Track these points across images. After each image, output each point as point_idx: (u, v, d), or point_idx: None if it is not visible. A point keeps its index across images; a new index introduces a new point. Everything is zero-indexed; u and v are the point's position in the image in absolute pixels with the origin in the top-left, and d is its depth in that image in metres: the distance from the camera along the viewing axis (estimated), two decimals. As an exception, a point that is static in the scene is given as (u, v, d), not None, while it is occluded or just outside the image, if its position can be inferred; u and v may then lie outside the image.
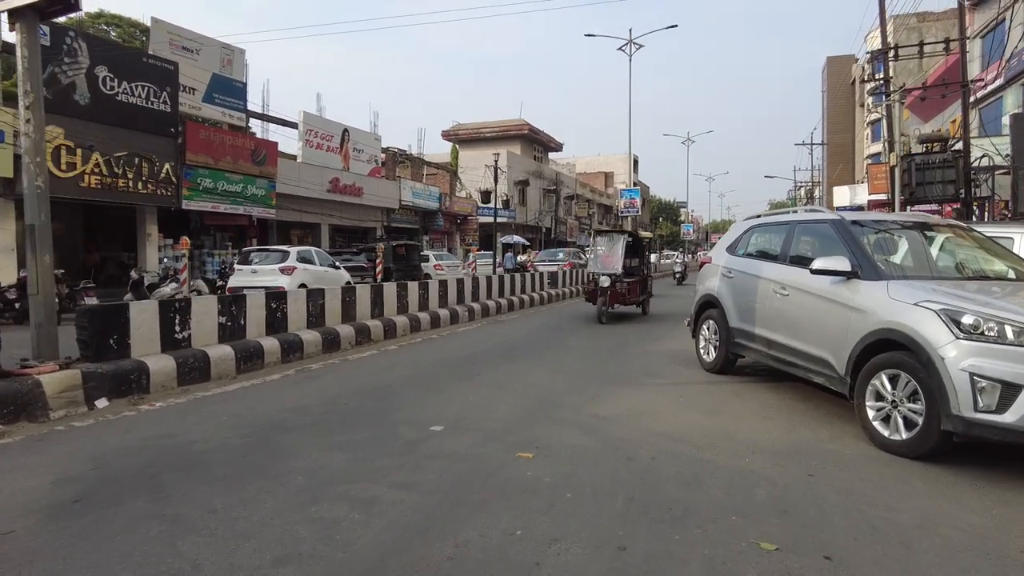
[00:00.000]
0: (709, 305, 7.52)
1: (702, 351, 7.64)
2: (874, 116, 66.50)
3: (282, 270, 15.79)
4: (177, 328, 6.63)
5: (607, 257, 13.63)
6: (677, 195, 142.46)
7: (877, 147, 64.57)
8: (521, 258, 37.41)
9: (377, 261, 19.86)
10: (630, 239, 14.22)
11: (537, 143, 52.55)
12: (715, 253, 7.83)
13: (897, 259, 5.59)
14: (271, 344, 7.73)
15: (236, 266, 16.46)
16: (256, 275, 15.87)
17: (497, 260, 30.72)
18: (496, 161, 23.58)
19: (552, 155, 61.32)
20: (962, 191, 17.15)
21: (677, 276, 29.58)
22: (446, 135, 49.12)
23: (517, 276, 17.99)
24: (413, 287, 11.75)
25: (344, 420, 5.26)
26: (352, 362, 8.28)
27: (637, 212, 36.58)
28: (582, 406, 5.76)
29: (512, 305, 16.23)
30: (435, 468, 4.06)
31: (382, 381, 6.89)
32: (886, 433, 4.58)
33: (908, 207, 18.22)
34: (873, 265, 5.17)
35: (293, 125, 26.89)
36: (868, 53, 20.12)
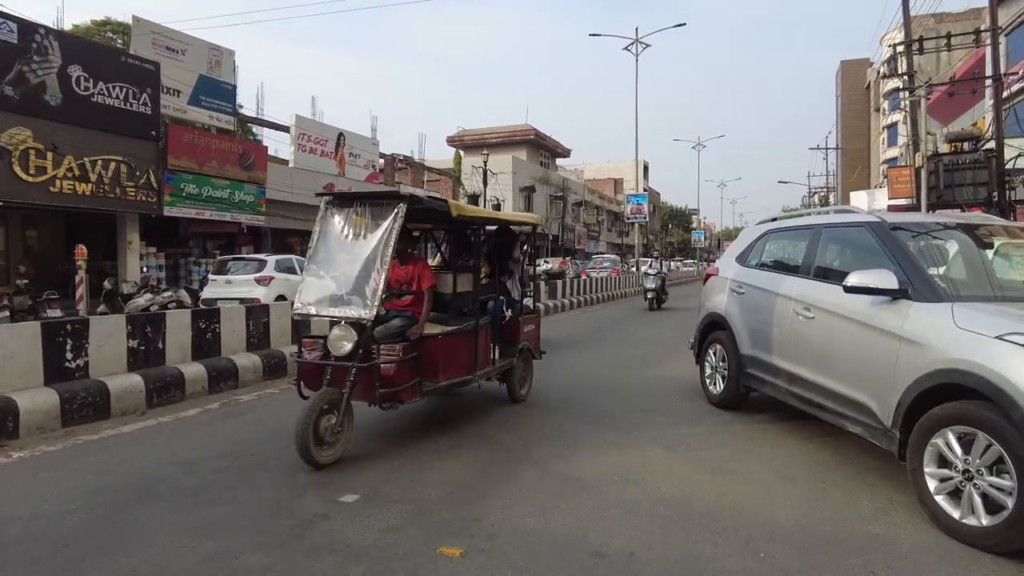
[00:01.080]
0: (716, 326, 6.28)
1: (708, 381, 6.38)
2: (890, 120, 65.06)
3: (258, 280, 14.70)
4: (69, 355, 5.47)
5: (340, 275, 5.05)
6: (689, 202, 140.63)
7: (894, 152, 62.98)
8: (547, 265, 35.98)
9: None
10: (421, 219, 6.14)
11: (544, 149, 51.45)
12: (723, 263, 6.59)
13: (955, 273, 4.30)
14: (195, 371, 6.55)
15: (210, 276, 15.39)
16: (231, 286, 14.79)
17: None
18: (485, 163, 22.38)
19: (560, 162, 60.20)
20: (995, 194, 15.78)
21: (650, 297, 18.49)
22: (451, 141, 48.16)
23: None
24: None
25: (238, 480, 4.07)
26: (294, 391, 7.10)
27: (645, 218, 35.30)
28: (552, 461, 4.53)
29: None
30: (316, 574, 2.85)
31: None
32: (956, 515, 3.31)
33: (932, 211, 16.82)
34: (928, 282, 3.92)
35: (285, 129, 25.94)
36: (891, 46, 18.72)
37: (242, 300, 14.31)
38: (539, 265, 33.13)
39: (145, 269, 18.96)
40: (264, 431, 5.29)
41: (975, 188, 16.14)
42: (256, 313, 7.97)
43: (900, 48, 17.19)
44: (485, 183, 22.52)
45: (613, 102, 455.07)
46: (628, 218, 34.58)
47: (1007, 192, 16.05)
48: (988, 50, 16.43)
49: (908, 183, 26.21)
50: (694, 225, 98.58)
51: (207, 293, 15.01)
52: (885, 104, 67.11)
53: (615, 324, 14.75)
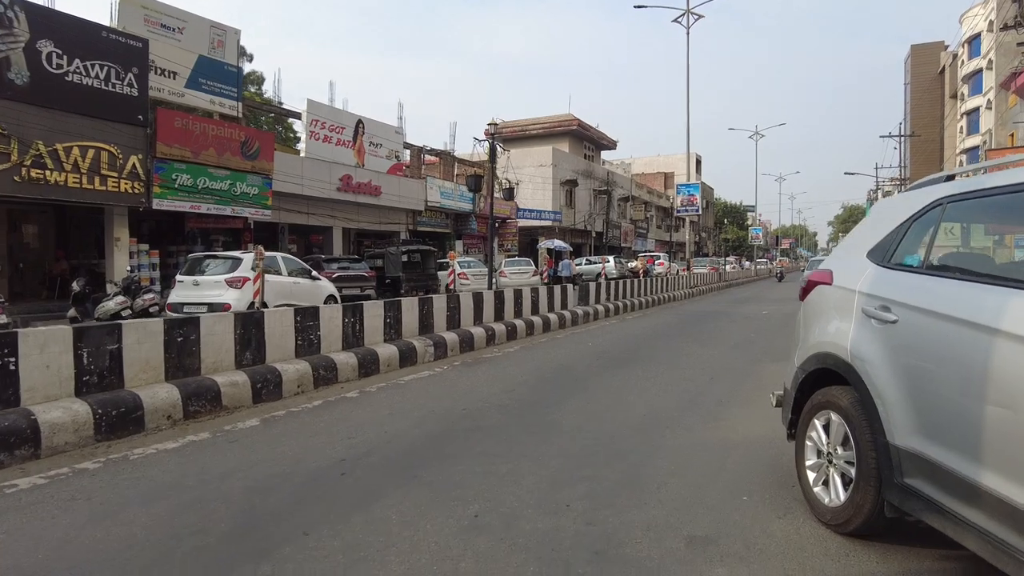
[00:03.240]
0: (829, 379, 3.46)
1: (811, 476, 3.55)
2: (971, 105, 59.50)
3: (230, 282, 12.40)
4: None
5: None
6: (744, 198, 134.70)
7: (974, 140, 57.50)
8: (632, 264, 33.65)
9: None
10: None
11: (588, 140, 48.40)
12: (840, 262, 3.74)
13: None
14: (59, 417, 4.15)
15: (178, 277, 13.19)
16: (199, 288, 12.55)
17: (534, 268, 26.80)
18: (493, 135, 19.55)
19: (607, 155, 57.01)
20: None
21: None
22: (488, 133, 45.59)
23: (568, 289, 14.03)
24: (372, 311, 7.96)
25: None
26: (214, 444, 4.67)
27: (698, 211, 31.95)
28: None
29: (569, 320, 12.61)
30: None
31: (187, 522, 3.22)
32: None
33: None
34: None
35: (297, 116, 23.84)
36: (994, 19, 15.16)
37: (211, 306, 12.10)
38: (579, 264, 30.45)
39: (129, 269, 17.00)
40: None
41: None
42: (184, 328, 5.53)
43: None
44: (494, 159, 19.73)
45: (663, 96, 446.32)
46: (678, 210, 31.25)
47: None
48: None
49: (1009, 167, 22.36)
50: (750, 222, 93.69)
51: (173, 297, 12.83)
52: (964, 88, 61.61)
53: (659, 339, 11.86)
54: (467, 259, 28.20)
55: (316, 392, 6.56)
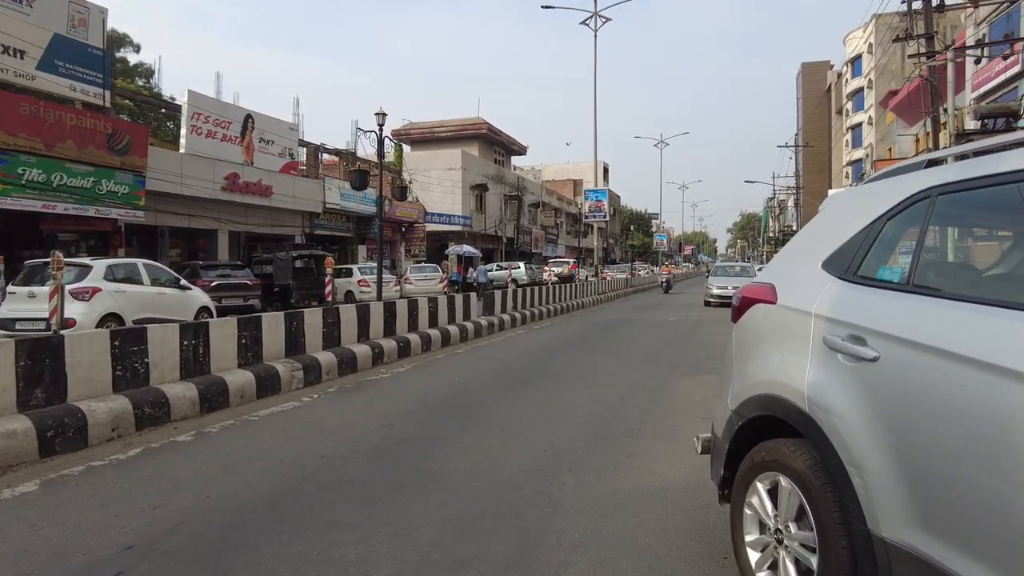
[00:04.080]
0: (776, 429, 2.61)
1: (756, 560, 2.68)
2: (854, 121, 63.44)
3: (75, 294, 10.57)
4: None
5: None
6: (650, 206, 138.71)
7: (858, 153, 61.24)
8: (559, 270, 33.24)
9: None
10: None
11: (498, 145, 47.74)
12: (783, 274, 2.89)
13: None
14: None
15: (9, 288, 11.19)
16: (35, 301, 10.64)
17: (442, 274, 25.62)
18: (381, 127, 17.96)
19: (518, 162, 56.64)
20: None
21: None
22: (396, 134, 43.98)
23: (472, 298, 12.89)
24: (222, 330, 6.57)
25: None
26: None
27: (605, 217, 31.78)
28: None
29: (472, 332, 11.42)
30: None
31: None
32: None
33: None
34: None
35: (176, 107, 21.66)
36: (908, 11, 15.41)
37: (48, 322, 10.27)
38: (491, 270, 29.52)
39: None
40: None
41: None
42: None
43: (917, 5, 13.93)
44: (382, 152, 18.30)
45: (572, 104, 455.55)
46: (586, 216, 30.93)
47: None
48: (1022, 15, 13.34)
49: (901, 177, 23.32)
50: (654, 229, 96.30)
51: (2, 311, 10.84)
52: (849, 105, 65.62)
53: (566, 351, 11.06)
54: (371, 265, 26.64)
55: (139, 436, 5.20)
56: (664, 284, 32.58)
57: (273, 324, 7.06)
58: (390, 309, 9.57)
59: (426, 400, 6.73)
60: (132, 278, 11.73)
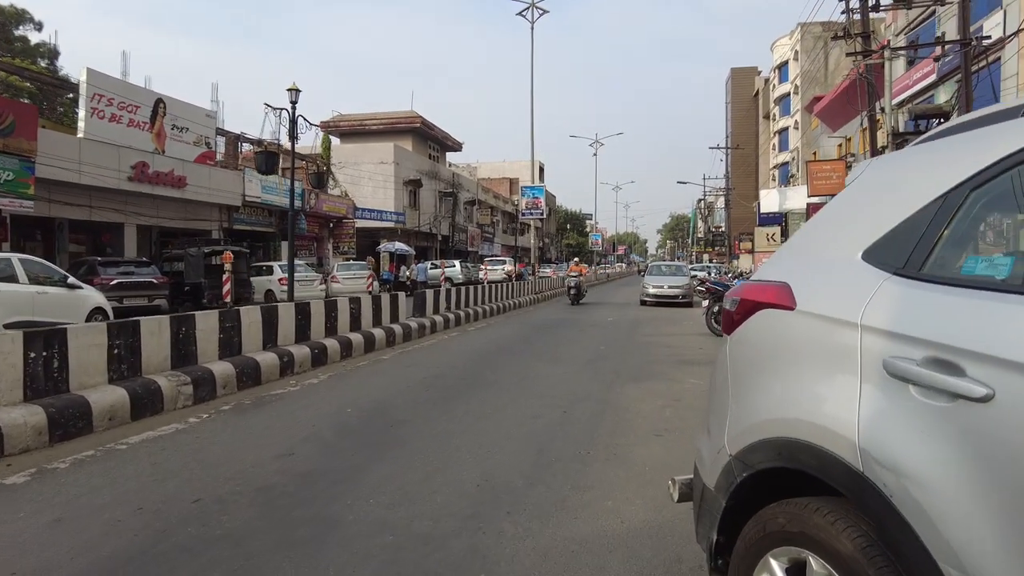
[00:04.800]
0: (794, 478, 1.84)
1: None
2: (781, 125, 65.41)
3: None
4: None
5: None
6: (584, 207, 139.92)
7: (785, 156, 63.15)
8: (507, 268, 32.52)
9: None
10: None
11: (432, 140, 46.54)
12: (801, 268, 2.12)
13: None
14: None
15: None
16: None
17: (370, 272, 24.33)
18: (295, 104, 16.27)
19: (454, 159, 55.55)
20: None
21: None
22: (325, 126, 42.14)
23: (400, 298, 11.78)
24: (87, 338, 5.35)
25: None
26: None
27: (542, 214, 31.17)
28: None
29: (400, 336, 10.32)
30: None
31: None
32: None
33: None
34: None
35: (72, 87, 19.64)
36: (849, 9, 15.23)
37: None
38: (411, 271, 28.35)
39: None
40: None
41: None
42: None
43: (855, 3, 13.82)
44: (294, 134, 16.63)
45: (509, 103, 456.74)
46: (523, 213, 30.22)
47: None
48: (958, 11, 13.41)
49: (834, 178, 23.73)
50: (589, 229, 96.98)
51: None
52: (776, 110, 67.62)
53: (502, 356, 10.26)
54: (297, 263, 25.08)
55: (-44, 477, 4.05)
56: (572, 292, 22.21)
57: (155, 329, 5.93)
58: (303, 311, 8.47)
59: (338, 420, 5.76)
60: (9, 275, 10.19)
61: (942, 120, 13.39)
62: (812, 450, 1.75)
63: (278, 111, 15.12)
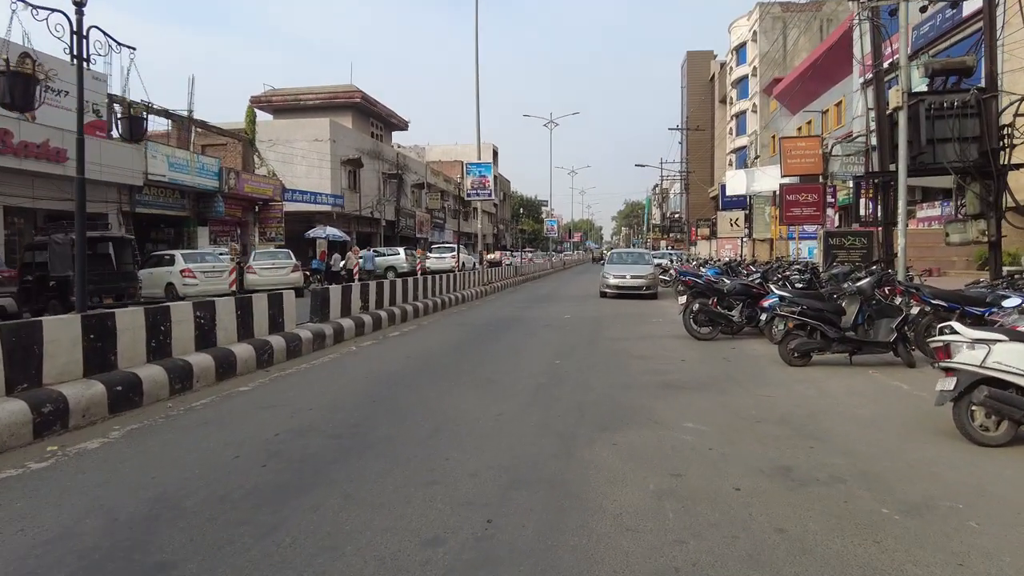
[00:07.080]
0: None
1: None
2: (738, 108, 63.96)
3: None
4: None
5: None
6: (540, 193, 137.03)
7: (743, 140, 61.69)
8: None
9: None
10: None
11: (375, 117, 43.14)
12: None
13: None
14: None
15: None
16: None
17: (294, 263, 21.16)
18: (80, 4, 11.52)
19: (399, 138, 52.16)
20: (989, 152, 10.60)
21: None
22: (256, 101, 38.36)
23: (287, 297, 8.84)
24: None
25: None
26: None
27: (490, 194, 28.32)
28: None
29: (283, 351, 7.38)
30: None
31: None
32: None
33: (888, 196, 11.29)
34: None
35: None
36: None
37: None
38: (347, 260, 25.25)
39: None
40: None
41: (961, 145, 10.85)
42: None
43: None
44: (80, 59, 13.12)
45: (460, 85, 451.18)
46: (468, 193, 27.29)
47: (1003, 152, 10.90)
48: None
49: (809, 156, 21.63)
50: (544, 215, 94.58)
51: None
52: (733, 93, 66.10)
53: (416, 381, 7.57)
54: (219, 250, 21.78)
55: None
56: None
57: None
58: (101, 325, 5.47)
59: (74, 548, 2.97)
60: None
61: (961, 76, 11.18)
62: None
63: (35, 9, 7.00)
